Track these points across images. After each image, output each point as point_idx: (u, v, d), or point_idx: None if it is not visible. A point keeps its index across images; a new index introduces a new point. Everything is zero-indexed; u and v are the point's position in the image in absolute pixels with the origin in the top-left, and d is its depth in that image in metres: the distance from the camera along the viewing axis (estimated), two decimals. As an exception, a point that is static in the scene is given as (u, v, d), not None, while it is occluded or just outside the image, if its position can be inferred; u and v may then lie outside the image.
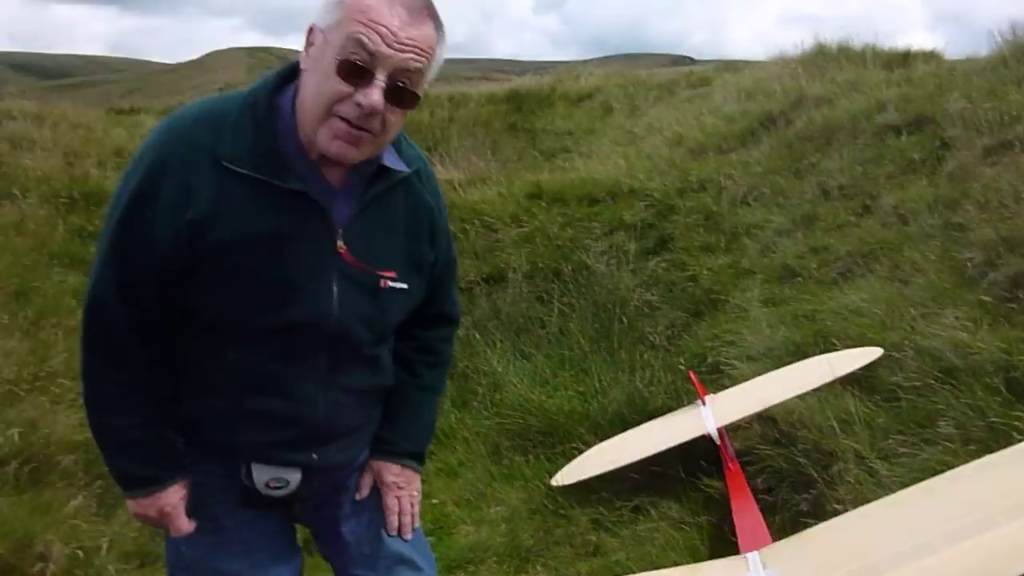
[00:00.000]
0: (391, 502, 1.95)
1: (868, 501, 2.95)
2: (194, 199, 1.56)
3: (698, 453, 3.97)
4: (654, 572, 3.15)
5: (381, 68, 1.52)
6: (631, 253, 6.42)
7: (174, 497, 1.74)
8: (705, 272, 5.91)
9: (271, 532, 1.85)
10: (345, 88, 1.52)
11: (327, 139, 1.56)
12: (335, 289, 1.66)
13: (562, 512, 3.95)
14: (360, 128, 1.55)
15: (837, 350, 4.19)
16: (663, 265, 6.21)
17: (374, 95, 1.52)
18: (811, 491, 3.44)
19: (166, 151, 1.59)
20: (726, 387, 4.46)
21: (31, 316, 4.69)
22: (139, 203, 1.58)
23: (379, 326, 1.77)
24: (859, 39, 9.33)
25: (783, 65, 9.61)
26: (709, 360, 4.91)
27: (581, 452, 4.36)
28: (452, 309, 2.04)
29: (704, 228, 6.51)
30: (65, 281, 5.38)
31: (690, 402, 4.42)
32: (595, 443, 4.42)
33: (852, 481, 3.32)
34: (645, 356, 5.23)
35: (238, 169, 1.57)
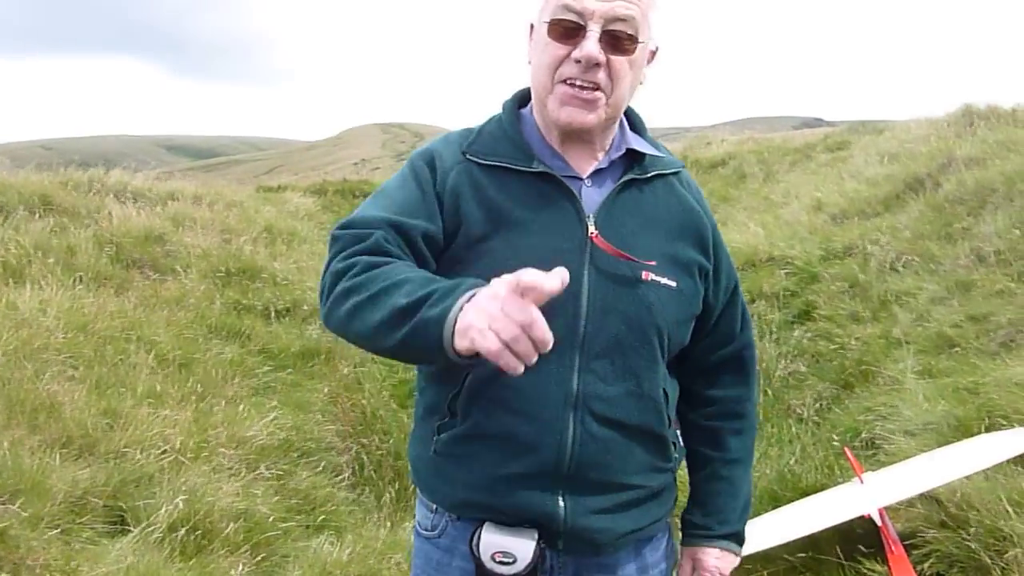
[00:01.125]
0: None
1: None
2: (445, 178, 1.58)
3: (857, 535, 3.79)
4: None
5: (592, 21, 1.50)
6: (773, 323, 6.29)
7: (482, 298, 1.24)
8: (853, 342, 5.72)
9: None
10: (561, 49, 1.53)
11: (557, 108, 1.56)
12: (586, 278, 1.54)
13: (713, 593, 3.82)
14: (586, 87, 1.53)
15: (1005, 427, 3.96)
16: (808, 335, 6.05)
17: (588, 45, 1.50)
18: (986, 579, 3.23)
19: (418, 155, 1.64)
20: (882, 464, 4.26)
21: (193, 387, 4.93)
22: (404, 178, 1.62)
23: (643, 328, 1.57)
24: (1009, 99, 9.01)
25: (928, 126, 9.33)
26: (863, 435, 4.71)
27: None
28: (750, 352, 1.83)
29: (850, 296, 6.32)
30: (223, 353, 5.64)
31: (845, 479, 4.24)
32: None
33: (1032, 569, 3.10)
34: (793, 430, 5.07)
35: (482, 161, 1.60)
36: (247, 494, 3.96)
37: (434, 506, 1.68)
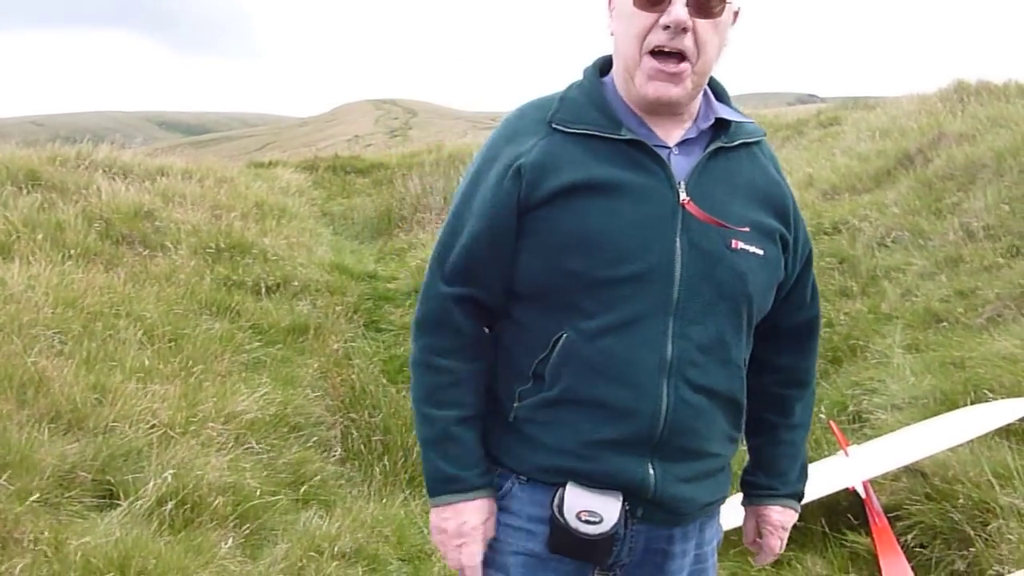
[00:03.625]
0: (775, 543, 1.87)
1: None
2: (524, 151, 1.57)
3: (841, 507, 3.82)
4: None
5: None
6: (763, 298, 6.31)
7: (476, 516, 1.63)
8: (842, 317, 5.74)
9: None
10: (648, 18, 1.50)
11: (644, 83, 1.54)
12: (678, 245, 1.54)
13: (699, 565, 3.85)
14: (673, 56, 1.51)
15: (989, 400, 3.99)
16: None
17: (675, 10, 1.48)
18: (968, 549, 3.26)
19: (498, 136, 1.64)
20: (869, 437, 4.29)
21: (183, 362, 4.93)
22: (474, 183, 1.62)
23: (734, 296, 1.58)
24: (1000, 75, 9.02)
25: (919, 102, 9.33)
26: (850, 409, 4.74)
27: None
28: (818, 322, 1.87)
29: (840, 272, 6.33)
30: (212, 329, 5.63)
31: (831, 453, 4.27)
32: (731, 494, 4.31)
33: (1014, 539, 3.13)
34: (781, 404, 5.09)
35: (569, 129, 1.57)
36: (236, 468, 3.96)
37: (496, 469, 1.68)
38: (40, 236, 6.02)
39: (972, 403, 4.04)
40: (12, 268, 5.29)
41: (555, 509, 1.58)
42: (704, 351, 1.57)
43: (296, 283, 6.97)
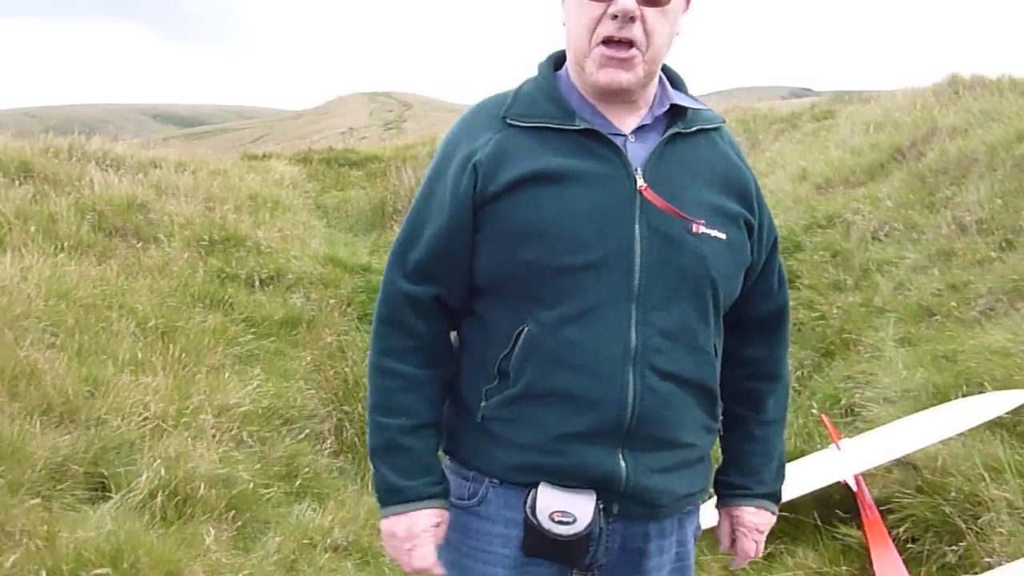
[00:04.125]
0: (749, 546, 1.80)
1: (1024, 555, 2.80)
2: (479, 146, 1.58)
3: (833, 500, 3.84)
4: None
5: None
6: (756, 291, 6.31)
7: (427, 520, 1.61)
8: (835, 311, 5.75)
9: None
10: (597, 8, 1.51)
11: (595, 71, 1.54)
12: (637, 232, 1.53)
13: (691, 557, 3.86)
14: (623, 43, 1.51)
15: (981, 393, 4.00)
16: (790, 304, 6.07)
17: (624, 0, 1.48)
18: (959, 542, 3.28)
19: (455, 132, 1.66)
20: (861, 431, 4.31)
21: (175, 354, 4.92)
22: (433, 181, 1.64)
23: (697, 280, 1.56)
24: (995, 69, 9.03)
25: (912, 96, 9.33)
26: (842, 402, 4.76)
27: (709, 497, 4.26)
28: (786, 311, 1.81)
29: (832, 265, 6.35)
30: (206, 321, 5.62)
31: (823, 446, 4.28)
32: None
33: (1005, 532, 3.14)
34: (774, 397, 5.10)
35: (523, 123, 1.58)
36: (228, 461, 3.96)
37: (470, 474, 1.65)
38: (32, 228, 6.00)
39: (964, 396, 4.05)
40: (4, 260, 5.27)
41: (528, 511, 1.56)
42: (669, 337, 1.55)
43: (290, 276, 6.95)
